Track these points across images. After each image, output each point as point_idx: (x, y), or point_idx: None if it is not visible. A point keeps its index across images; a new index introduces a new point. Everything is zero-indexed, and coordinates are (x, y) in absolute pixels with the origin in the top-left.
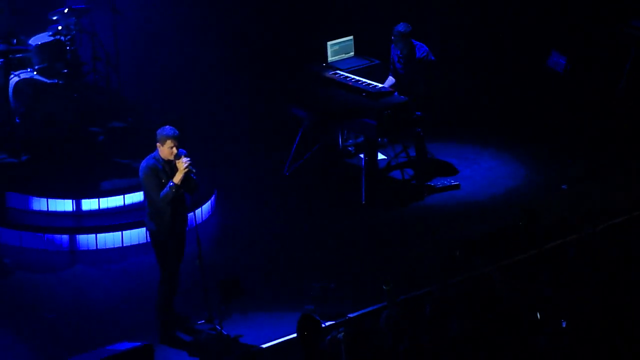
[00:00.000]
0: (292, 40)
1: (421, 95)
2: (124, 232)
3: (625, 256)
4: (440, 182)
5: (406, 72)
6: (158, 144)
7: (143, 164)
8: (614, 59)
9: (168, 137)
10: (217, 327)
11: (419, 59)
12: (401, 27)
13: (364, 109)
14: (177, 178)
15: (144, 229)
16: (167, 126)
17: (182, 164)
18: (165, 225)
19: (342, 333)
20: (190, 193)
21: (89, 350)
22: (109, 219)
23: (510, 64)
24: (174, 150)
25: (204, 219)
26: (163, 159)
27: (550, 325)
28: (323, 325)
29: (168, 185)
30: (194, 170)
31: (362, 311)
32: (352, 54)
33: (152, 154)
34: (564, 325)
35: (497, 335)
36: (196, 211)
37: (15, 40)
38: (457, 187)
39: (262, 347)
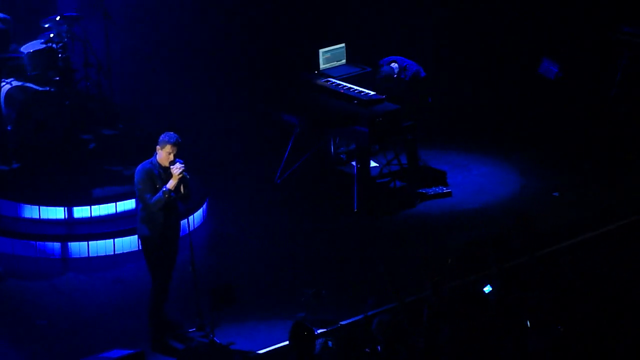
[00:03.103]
0: (284, 47)
1: (419, 104)
2: (115, 239)
3: (619, 262)
4: (432, 189)
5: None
6: (158, 147)
7: (139, 167)
8: (606, 65)
9: (169, 142)
10: (209, 334)
11: (410, 79)
12: (388, 69)
13: (356, 117)
14: (171, 184)
15: (136, 236)
16: (172, 132)
17: (176, 169)
18: (157, 231)
19: (331, 341)
20: (183, 201)
21: (81, 358)
22: (100, 227)
23: (502, 70)
24: (171, 157)
25: (196, 226)
26: (160, 165)
27: (544, 331)
28: (316, 333)
29: (161, 190)
30: (188, 177)
31: (354, 318)
32: (343, 61)
33: (150, 159)
34: (559, 329)
35: (490, 341)
36: (189, 218)
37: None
38: (448, 194)
39: (257, 353)
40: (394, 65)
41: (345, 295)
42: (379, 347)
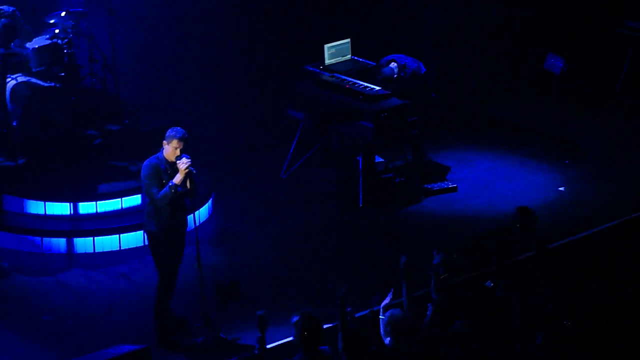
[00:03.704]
0: (289, 42)
1: (421, 100)
2: (121, 235)
3: (623, 257)
4: (437, 184)
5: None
6: (164, 142)
7: (146, 162)
8: (610, 60)
9: (175, 137)
10: (215, 329)
11: (410, 76)
12: (388, 70)
13: (361, 112)
14: (178, 179)
15: (142, 232)
16: (178, 127)
17: (183, 164)
18: (163, 226)
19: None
20: (189, 197)
21: (87, 354)
22: (106, 222)
23: (507, 65)
24: (178, 152)
25: (202, 221)
26: (166, 160)
27: (545, 328)
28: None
29: (167, 185)
30: (194, 171)
31: (360, 313)
32: (349, 56)
33: (157, 154)
34: (566, 324)
35: (494, 336)
36: (195, 213)
37: (12, 44)
38: (454, 189)
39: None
40: (393, 65)
41: (351, 290)
42: (387, 342)
